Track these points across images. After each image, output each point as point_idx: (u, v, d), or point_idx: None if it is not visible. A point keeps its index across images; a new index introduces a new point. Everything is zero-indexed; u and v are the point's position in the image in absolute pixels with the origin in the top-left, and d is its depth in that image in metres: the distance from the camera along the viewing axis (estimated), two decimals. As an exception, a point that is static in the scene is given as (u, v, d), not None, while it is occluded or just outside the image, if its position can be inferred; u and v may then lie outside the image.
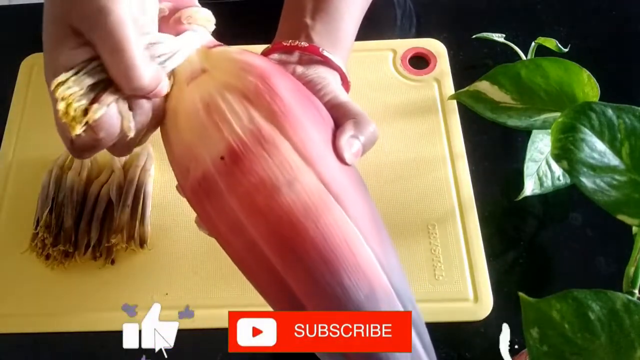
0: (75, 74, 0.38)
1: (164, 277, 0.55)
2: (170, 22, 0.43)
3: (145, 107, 0.40)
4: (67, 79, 0.38)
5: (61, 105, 0.38)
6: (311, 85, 0.45)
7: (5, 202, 0.59)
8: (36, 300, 0.54)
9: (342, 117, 0.43)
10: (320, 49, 0.47)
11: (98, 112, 0.38)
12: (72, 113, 0.38)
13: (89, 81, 0.38)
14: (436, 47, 0.68)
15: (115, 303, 0.53)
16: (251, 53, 0.43)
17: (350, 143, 0.41)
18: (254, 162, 0.38)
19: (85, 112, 0.38)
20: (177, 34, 0.42)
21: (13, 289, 0.54)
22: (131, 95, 0.39)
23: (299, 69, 0.47)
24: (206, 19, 0.44)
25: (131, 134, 0.40)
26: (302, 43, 0.47)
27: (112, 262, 0.55)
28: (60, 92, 0.37)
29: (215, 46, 0.44)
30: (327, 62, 0.48)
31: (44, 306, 0.54)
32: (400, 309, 0.38)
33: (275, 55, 0.48)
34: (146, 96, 0.40)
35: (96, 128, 0.38)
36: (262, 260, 0.38)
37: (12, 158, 0.62)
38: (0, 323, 0.53)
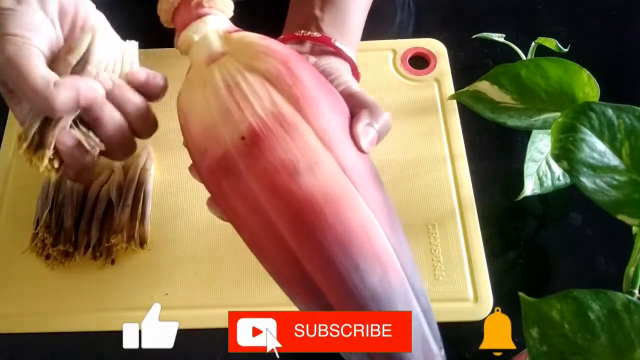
0: (25, 126, 0.42)
1: (164, 277, 0.55)
2: (192, 5, 0.44)
3: (109, 117, 0.42)
4: (21, 135, 0.42)
5: (27, 160, 0.42)
6: (325, 75, 0.45)
7: (5, 202, 0.59)
8: (36, 300, 0.54)
9: (357, 106, 0.43)
10: (332, 40, 0.48)
11: (44, 159, 0.42)
12: (36, 163, 0.42)
13: (34, 128, 0.42)
14: (436, 47, 0.68)
15: (115, 303, 0.53)
16: (270, 39, 0.43)
17: (366, 131, 0.42)
18: (275, 144, 0.38)
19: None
20: (198, 17, 0.43)
21: (13, 289, 0.54)
22: (84, 115, 0.42)
23: (312, 59, 0.48)
24: (226, 5, 0.45)
25: (99, 148, 0.43)
26: (315, 34, 0.48)
27: (112, 262, 0.55)
28: (21, 150, 0.42)
29: (235, 31, 0.44)
30: (338, 53, 0.48)
31: (44, 306, 0.54)
32: (411, 293, 0.39)
33: (289, 45, 0.48)
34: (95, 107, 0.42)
35: (58, 161, 0.42)
36: (279, 241, 0.39)
37: (12, 158, 0.62)
38: (0, 323, 0.53)
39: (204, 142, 0.40)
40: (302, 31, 0.49)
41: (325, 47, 0.48)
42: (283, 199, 0.38)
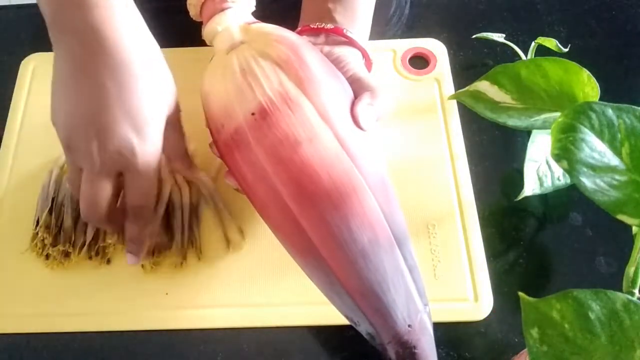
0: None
1: (164, 277, 0.55)
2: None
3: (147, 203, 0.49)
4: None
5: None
6: (336, 63, 0.50)
7: (5, 202, 0.59)
8: (36, 300, 0.54)
9: (361, 89, 0.48)
10: (344, 30, 0.52)
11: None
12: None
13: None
14: (436, 47, 0.68)
15: (115, 303, 0.53)
16: (285, 29, 0.48)
17: (365, 110, 0.46)
18: (280, 119, 0.44)
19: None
20: (222, 10, 0.49)
21: (13, 289, 0.54)
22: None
23: (326, 48, 0.52)
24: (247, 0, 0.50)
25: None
26: (328, 25, 0.53)
27: (108, 261, 0.55)
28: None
29: (254, 23, 0.49)
30: (350, 42, 0.53)
31: (44, 306, 0.54)
32: (399, 253, 0.44)
33: (304, 37, 0.51)
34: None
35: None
36: (281, 204, 0.44)
37: (12, 158, 0.62)
38: (0, 323, 0.53)
39: (220, 119, 0.46)
40: (317, 23, 0.53)
41: (338, 38, 0.53)
42: (285, 167, 0.43)
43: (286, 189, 0.44)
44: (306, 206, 0.43)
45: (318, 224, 0.43)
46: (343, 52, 0.52)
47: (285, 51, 0.45)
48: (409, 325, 0.44)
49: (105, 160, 0.44)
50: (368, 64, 0.55)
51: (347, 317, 0.46)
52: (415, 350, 0.44)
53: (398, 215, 0.46)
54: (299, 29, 0.54)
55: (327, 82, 0.46)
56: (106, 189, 0.45)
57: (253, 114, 0.44)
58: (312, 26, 0.53)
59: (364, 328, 0.45)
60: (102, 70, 0.43)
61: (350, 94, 0.48)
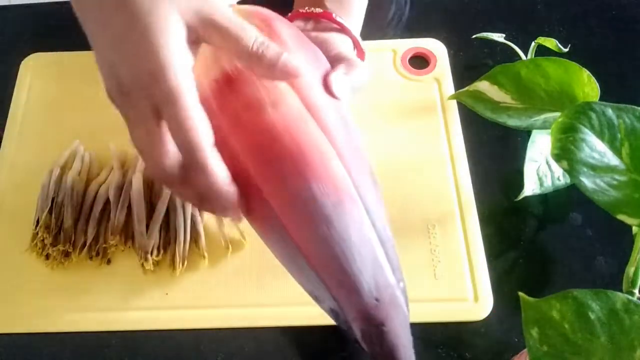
0: None
1: (164, 277, 0.55)
2: None
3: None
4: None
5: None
6: (321, 44, 0.49)
7: (5, 202, 0.59)
8: (36, 300, 0.54)
9: (338, 62, 0.47)
10: (334, 15, 0.52)
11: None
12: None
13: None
14: (436, 47, 0.68)
15: (115, 303, 0.53)
16: (267, 9, 0.46)
17: (339, 77, 0.45)
18: (244, 84, 0.42)
19: None
20: None
21: (13, 289, 0.54)
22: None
23: (313, 33, 0.51)
24: None
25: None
26: (317, 10, 0.52)
27: (109, 261, 0.55)
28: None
29: (241, 3, 0.47)
30: (341, 29, 0.52)
31: (44, 306, 0.54)
32: (369, 223, 0.41)
33: (295, 23, 0.51)
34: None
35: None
36: (244, 173, 0.41)
37: (12, 158, 0.62)
38: (0, 323, 0.53)
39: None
40: (307, 8, 0.52)
41: (328, 24, 0.52)
42: (247, 131, 0.41)
43: (248, 154, 0.41)
44: (267, 171, 0.41)
45: (279, 190, 0.40)
46: (332, 36, 0.51)
47: (257, 23, 0.44)
48: (376, 299, 0.40)
49: (135, 86, 0.38)
50: (360, 54, 0.54)
51: (309, 293, 0.43)
52: (384, 328, 0.40)
53: (370, 186, 0.42)
54: (289, 15, 0.54)
55: (298, 51, 0.44)
56: (156, 131, 0.38)
57: (216, 80, 0.42)
58: (301, 11, 0.53)
59: (327, 305, 0.42)
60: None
61: (325, 65, 0.46)
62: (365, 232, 0.41)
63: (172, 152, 0.39)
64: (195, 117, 0.37)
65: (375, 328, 0.40)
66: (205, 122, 0.38)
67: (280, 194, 0.40)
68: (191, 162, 0.38)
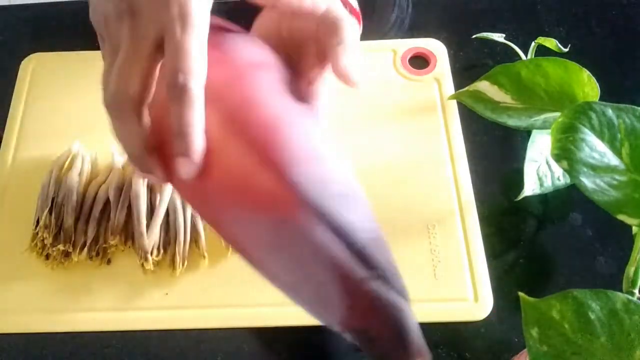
0: None
1: (164, 277, 0.55)
2: None
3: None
4: None
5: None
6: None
7: (5, 202, 0.59)
8: (36, 300, 0.54)
9: (326, 28, 0.40)
10: None
11: None
12: None
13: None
14: (436, 47, 0.68)
15: (115, 303, 0.53)
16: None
17: (346, 68, 0.39)
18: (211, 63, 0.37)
19: None
20: None
21: (13, 289, 0.54)
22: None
23: None
24: None
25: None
26: None
27: (109, 261, 0.55)
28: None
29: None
30: None
31: (44, 306, 0.54)
32: (321, 230, 0.35)
33: None
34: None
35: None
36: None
37: (12, 158, 0.62)
38: (0, 323, 0.53)
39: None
40: None
41: None
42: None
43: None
44: (236, 136, 0.36)
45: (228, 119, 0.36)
46: None
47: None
48: (350, 307, 0.36)
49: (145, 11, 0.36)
50: (355, 15, 0.49)
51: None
52: (371, 334, 0.36)
53: (311, 129, 0.37)
54: None
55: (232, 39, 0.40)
56: (148, 65, 0.36)
57: None
58: None
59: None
60: None
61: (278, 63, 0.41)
62: (316, 241, 0.35)
63: (151, 85, 0.36)
64: (200, 48, 0.35)
65: (364, 333, 0.36)
66: (205, 61, 0.36)
67: (232, 127, 0.36)
68: (176, 88, 0.35)
